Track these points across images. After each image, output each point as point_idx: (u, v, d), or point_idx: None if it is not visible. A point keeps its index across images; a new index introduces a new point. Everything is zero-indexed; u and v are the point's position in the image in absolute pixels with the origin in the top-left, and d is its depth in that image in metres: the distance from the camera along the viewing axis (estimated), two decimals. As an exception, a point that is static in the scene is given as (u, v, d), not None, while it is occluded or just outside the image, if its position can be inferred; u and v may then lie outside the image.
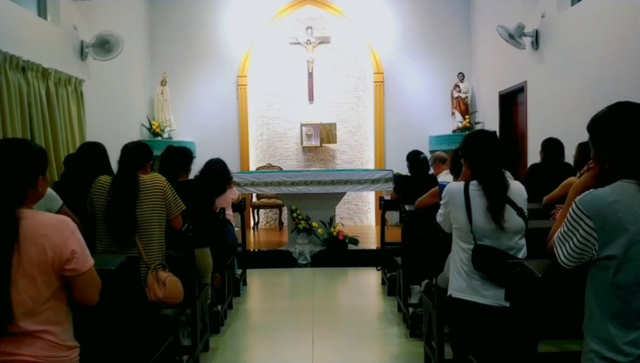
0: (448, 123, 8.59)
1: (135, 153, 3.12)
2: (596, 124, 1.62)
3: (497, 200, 2.27)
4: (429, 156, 5.49)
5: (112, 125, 6.81)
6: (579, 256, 1.53)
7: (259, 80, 8.77)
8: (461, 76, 8.49)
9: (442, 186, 2.58)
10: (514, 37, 6.31)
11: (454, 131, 8.46)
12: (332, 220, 6.66)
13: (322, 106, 8.79)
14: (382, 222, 6.10)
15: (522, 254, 2.35)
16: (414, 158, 5.03)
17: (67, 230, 1.68)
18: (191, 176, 4.25)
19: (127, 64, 7.30)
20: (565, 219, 1.57)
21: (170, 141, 7.72)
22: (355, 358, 3.72)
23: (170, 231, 3.14)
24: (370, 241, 7.17)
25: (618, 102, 1.60)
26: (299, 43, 8.69)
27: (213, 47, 8.65)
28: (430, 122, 8.66)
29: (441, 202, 2.48)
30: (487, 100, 8.11)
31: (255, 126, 8.87)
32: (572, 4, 5.80)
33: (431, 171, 5.19)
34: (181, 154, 4.03)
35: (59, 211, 2.99)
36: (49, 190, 2.84)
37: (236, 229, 5.51)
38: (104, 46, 6.16)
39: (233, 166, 6.33)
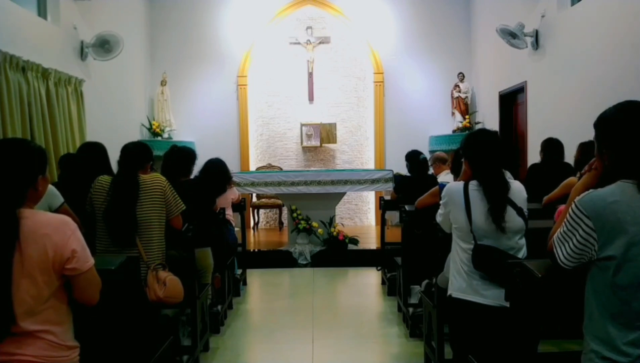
0: (448, 123, 8.60)
1: (135, 153, 3.12)
2: (602, 121, 1.61)
3: (498, 201, 2.27)
4: (428, 156, 5.50)
5: (112, 125, 6.81)
6: (578, 256, 1.53)
7: (259, 80, 8.77)
8: (461, 76, 8.49)
9: (442, 186, 2.58)
10: (515, 35, 6.31)
11: (454, 131, 8.46)
12: (332, 220, 6.66)
13: (322, 106, 8.79)
14: (382, 222, 6.10)
15: (522, 254, 2.35)
16: (414, 157, 5.02)
17: (68, 230, 1.68)
18: (191, 176, 4.25)
19: (127, 64, 7.31)
20: (565, 220, 1.57)
21: (170, 141, 7.73)
22: (355, 358, 3.72)
23: (170, 231, 3.14)
24: (370, 241, 7.17)
25: (627, 101, 1.59)
26: (299, 43, 8.69)
27: (213, 47, 8.65)
28: (430, 122, 8.67)
29: (441, 202, 2.48)
30: (487, 100, 8.11)
31: (255, 126, 8.88)
32: (572, 4, 5.80)
33: (431, 171, 5.18)
34: (184, 155, 4.03)
35: (59, 208, 3.00)
36: (50, 187, 2.85)
37: (236, 229, 5.51)
38: (104, 46, 6.16)
39: (233, 166, 6.34)
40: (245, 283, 5.68)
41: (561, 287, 1.81)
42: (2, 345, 1.61)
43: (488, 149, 2.34)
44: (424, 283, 3.61)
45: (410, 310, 4.03)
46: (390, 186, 6.45)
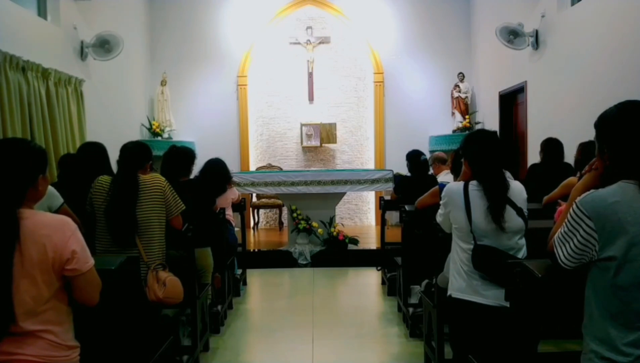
0: (448, 123, 8.60)
1: (135, 153, 3.11)
2: (602, 121, 1.61)
3: (498, 201, 2.27)
4: (428, 156, 5.49)
5: (112, 125, 6.81)
6: (579, 256, 1.53)
7: (259, 80, 8.77)
8: (461, 76, 8.49)
9: (442, 186, 2.58)
10: (516, 33, 6.31)
11: (454, 131, 8.46)
12: (332, 220, 6.66)
13: (322, 106, 8.79)
14: (382, 222, 6.10)
15: (522, 254, 2.35)
16: (414, 157, 5.02)
17: (68, 230, 1.68)
18: (191, 176, 4.24)
19: (127, 64, 7.31)
20: (566, 220, 1.57)
21: (170, 141, 7.73)
22: (355, 358, 3.72)
23: (170, 231, 3.14)
24: (370, 241, 7.17)
25: (627, 101, 1.58)
26: (299, 43, 8.70)
27: (213, 47, 8.65)
28: (430, 122, 8.67)
29: (441, 202, 2.48)
30: (487, 100, 8.11)
31: (255, 126, 8.88)
32: (572, 4, 5.80)
33: (430, 171, 5.18)
34: (184, 155, 4.02)
35: (59, 209, 3.00)
36: (50, 187, 2.85)
37: (236, 229, 5.51)
38: (104, 45, 6.16)
39: (233, 166, 6.34)
40: (245, 283, 5.68)
41: (561, 287, 1.81)
42: (3, 344, 1.61)
43: (488, 149, 2.34)
44: (424, 283, 3.61)
45: (410, 310, 4.03)
46: (390, 186, 6.45)
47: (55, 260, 1.64)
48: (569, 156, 4.32)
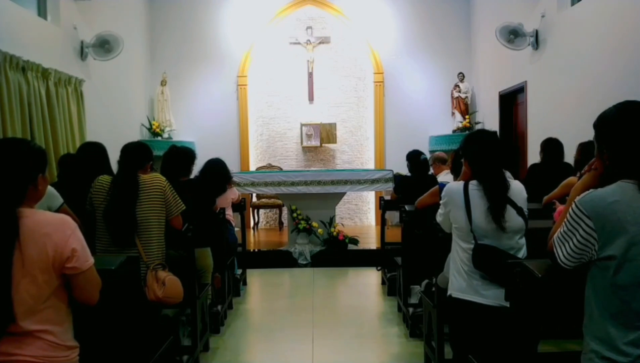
0: (448, 123, 8.60)
1: (135, 153, 3.12)
2: (601, 122, 1.61)
3: (498, 201, 2.27)
4: (428, 156, 5.49)
5: (112, 125, 6.81)
6: (578, 256, 1.53)
7: (259, 80, 8.77)
8: (461, 76, 8.49)
9: (442, 186, 2.58)
10: (516, 32, 6.32)
11: (454, 131, 8.46)
12: (332, 220, 6.66)
13: (322, 106, 8.79)
14: (382, 222, 6.10)
15: (522, 254, 2.35)
16: (414, 157, 5.02)
17: (68, 229, 1.68)
18: (191, 176, 4.24)
19: (127, 64, 7.31)
20: (565, 220, 1.57)
21: (170, 141, 7.73)
22: (355, 358, 3.72)
23: (170, 231, 3.14)
24: (370, 241, 7.17)
25: (626, 101, 1.58)
26: (299, 43, 8.70)
27: (213, 47, 8.66)
28: (430, 122, 8.67)
29: (441, 202, 2.48)
30: (487, 100, 8.11)
31: (255, 126, 8.88)
32: (572, 4, 5.80)
33: (430, 171, 5.18)
34: (184, 155, 4.02)
35: (59, 209, 3.01)
36: (50, 188, 2.85)
37: (236, 229, 5.51)
38: (104, 45, 6.17)
39: (233, 166, 6.33)
40: (245, 283, 5.68)
41: (561, 287, 1.81)
42: (2, 345, 1.61)
43: (488, 149, 2.34)
44: (424, 283, 3.61)
45: (410, 310, 4.03)
46: (390, 186, 6.45)
47: (55, 259, 1.65)
48: (569, 156, 4.31)
